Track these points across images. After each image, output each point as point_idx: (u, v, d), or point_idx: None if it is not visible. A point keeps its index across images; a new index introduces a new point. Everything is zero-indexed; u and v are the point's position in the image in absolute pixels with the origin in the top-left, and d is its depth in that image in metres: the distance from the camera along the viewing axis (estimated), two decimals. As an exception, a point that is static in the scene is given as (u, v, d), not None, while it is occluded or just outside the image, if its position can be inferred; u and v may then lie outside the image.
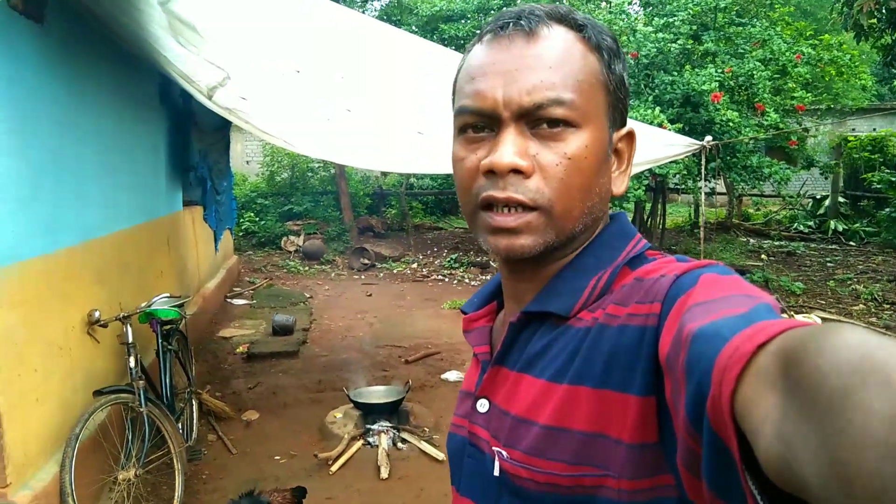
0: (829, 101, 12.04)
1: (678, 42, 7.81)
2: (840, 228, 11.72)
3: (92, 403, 2.93)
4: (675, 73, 7.86)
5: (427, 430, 4.17)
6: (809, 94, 9.22)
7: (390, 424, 4.12)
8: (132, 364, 3.17)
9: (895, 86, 16.39)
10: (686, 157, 6.47)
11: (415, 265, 10.50)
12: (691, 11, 8.01)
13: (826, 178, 12.97)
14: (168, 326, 3.72)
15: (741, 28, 8.59)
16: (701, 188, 6.60)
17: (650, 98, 7.75)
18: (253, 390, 4.96)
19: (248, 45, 3.30)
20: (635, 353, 0.61)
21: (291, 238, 11.38)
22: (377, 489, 3.54)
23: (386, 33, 4.02)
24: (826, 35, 10.45)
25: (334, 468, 3.70)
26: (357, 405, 4.23)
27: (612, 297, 0.68)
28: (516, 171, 0.67)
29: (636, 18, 8.68)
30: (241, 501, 2.65)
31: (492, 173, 0.68)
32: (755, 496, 0.40)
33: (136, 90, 4.50)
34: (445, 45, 8.49)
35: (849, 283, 8.25)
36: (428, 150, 3.84)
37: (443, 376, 5.25)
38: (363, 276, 9.85)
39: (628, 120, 0.78)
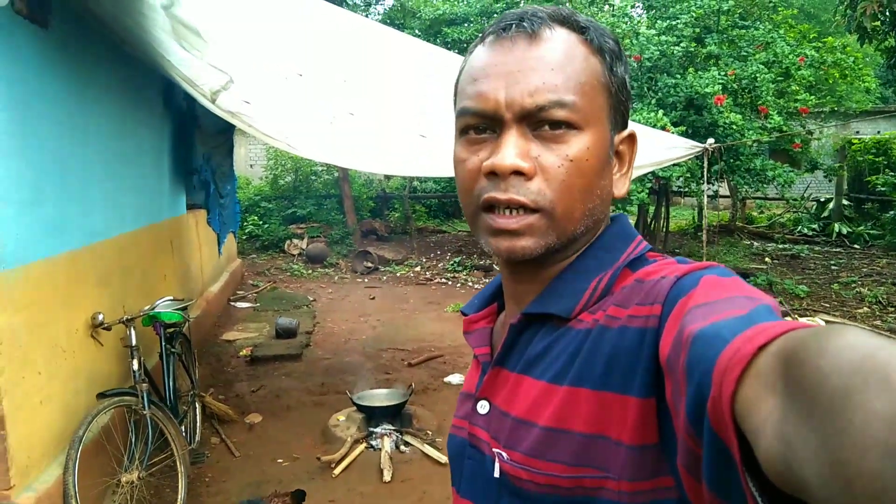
0: (833, 103, 12.02)
1: (681, 45, 7.81)
2: (844, 231, 11.69)
3: (95, 406, 2.93)
4: (678, 76, 7.86)
5: (430, 433, 4.17)
6: (813, 97, 9.20)
7: (393, 427, 4.12)
8: (135, 367, 3.18)
9: (899, 88, 16.37)
10: (689, 159, 6.46)
11: (418, 268, 10.50)
12: (694, 14, 8.00)
13: (830, 181, 12.95)
14: (171, 329, 3.73)
15: (744, 31, 8.58)
16: (704, 191, 6.59)
17: (653, 101, 7.75)
18: (256, 393, 4.97)
19: (252, 48, 3.31)
20: (636, 355, 0.61)
21: (295, 241, 11.39)
22: (380, 492, 3.54)
23: (387, 36, 4.03)
24: (830, 37, 10.42)
25: (337, 471, 3.70)
26: (360, 408, 4.23)
27: (613, 299, 0.68)
28: (518, 173, 0.67)
29: (639, 21, 8.68)
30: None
31: (493, 175, 0.68)
32: (755, 497, 0.40)
33: (140, 93, 4.51)
34: (448, 49, 8.51)
35: (853, 286, 8.22)
36: (431, 153, 3.84)
37: (446, 379, 5.25)
38: (366, 280, 9.86)
39: (629, 122, 0.78)
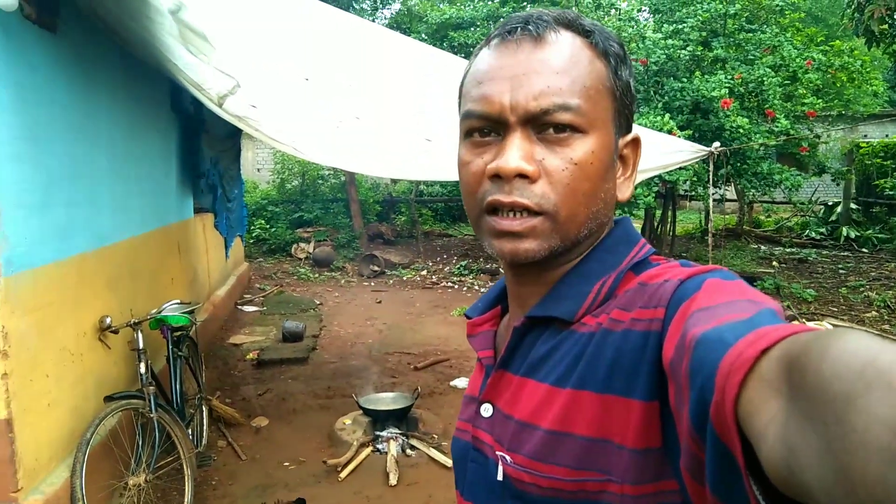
0: (841, 107, 11.96)
1: (688, 49, 7.79)
2: (852, 235, 11.63)
3: (103, 409, 2.94)
4: (685, 80, 7.84)
5: (436, 436, 4.17)
6: (820, 101, 9.16)
7: (399, 431, 4.12)
8: (143, 370, 3.19)
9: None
10: (696, 163, 6.44)
11: (424, 272, 10.50)
12: (701, 18, 7.98)
13: (838, 185, 12.88)
14: (178, 333, 3.74)
15: (751, 34, 8.55)
16: (710, 195, 6.57)
17: (660, 105, 7.73)
18: (262, 397, 4.98)
19: (258, 53, 3.33)
20: (639, 358, 0.60)
21: (302, 245, 11.42)
22: (386, 496, 3.54)
23: (393, 40, 4.05)
24: (837, 41, 10.38)
25: (343, 474, 3.70)
26: (366, 412, 4.23)
27: (616, 302, 0.68)
28: (522, 176, 0.67)
29: (645, 25, 8.66)
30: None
31: (497, 177, 0.68)
32: (759, 501, 0.40)
33: (148, 98, 4.54)
34: (455, 53, 8.53)
35: (861, 290, 8.17)
36: (437, 157, 3.84)
37: (452, 383, 5.25)
38: (373, 283, 9.87)
39: (634, 126, 0.78)
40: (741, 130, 7.35)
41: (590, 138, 0.68)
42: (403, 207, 13.60)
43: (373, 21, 12.34)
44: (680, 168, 6.57)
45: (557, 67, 0.67)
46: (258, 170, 15.03)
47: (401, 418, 4.21)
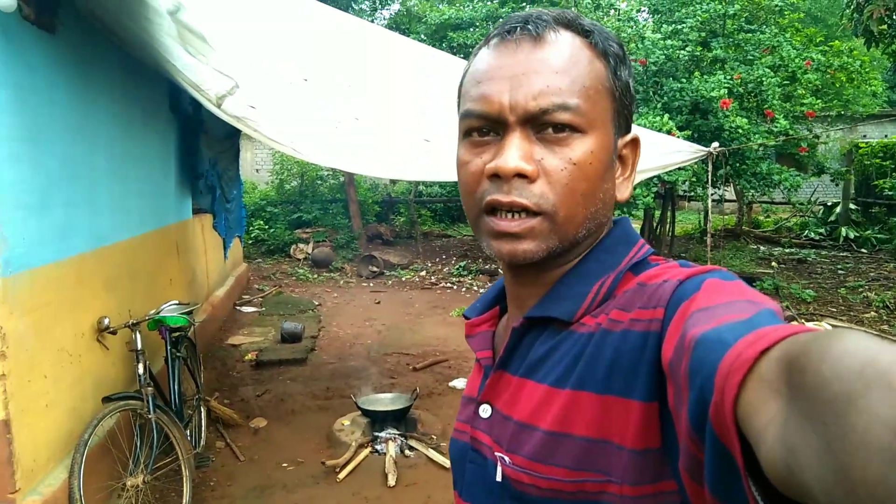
0: (840, 107, 11.97)
1: (687, 49, 7.79)
2: (851, 235, 11.64)
3: (101, 410, 2.94)
4: (684, 80, 7.84)
5: (434, 437, 4.16)
6: (819, 101, 9.16)
7: (398, 432, 4.12)
8: (141, 371, 3.19)
9: (906, 92, 16.31)
10: (695, 163, 6.45)
11: (423, 273, 10.50)
12: (700, 18, 7.99)
13: (837, 185, 12.89)
14: (177, 333, 3.73)
15: (750, 35, 8.55)
16: (709, 195, 6.58)
17: (659, 105, 7.74)
18: (261, 397, 4.97)
19: (257, 53, 3.32)
20: (638, 359, 0.60)
21: (300, 246, 11.42)
22: (384, 497, 3.53)
23: (392, 41, 4.04)
24: (836, 41, 10.39)
25: (342, 475, 3.70)
26: (365, 412, 4.23)
27: (615, 303, 0.67)
28: (521, 176, 0.67)
29: (644, 25, 8.67)
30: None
31: (496, 177, 0.68)
32: (758, 501, 0.40)
33: (147, 98, 4.54)
34: (454, 54, 8.53)
35: (860, 290, 8.18)
36: (436, 158, 3.84)
37: (450, 384, 5.24)
38: (372, 284, 9.87)
39: (633, 126, 0.78)
40: (740, 131, 7.36)
41: (589, 138, 0.68)
42: (402, 208, 13.60)
43: (372, 22, 12.34)
44: (679, 168, 6.57)
45: (557, 67, 0.67)
46: (257, 170, 15.03)
47: (399, 419, 4.21)
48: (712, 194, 6.17)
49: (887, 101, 16.79)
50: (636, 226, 9.84)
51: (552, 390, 0.67)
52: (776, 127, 7.76)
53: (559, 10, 0.72)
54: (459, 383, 5.21)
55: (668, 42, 7.74)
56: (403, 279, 10.14)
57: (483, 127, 0.70)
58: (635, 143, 0.77)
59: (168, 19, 2.44)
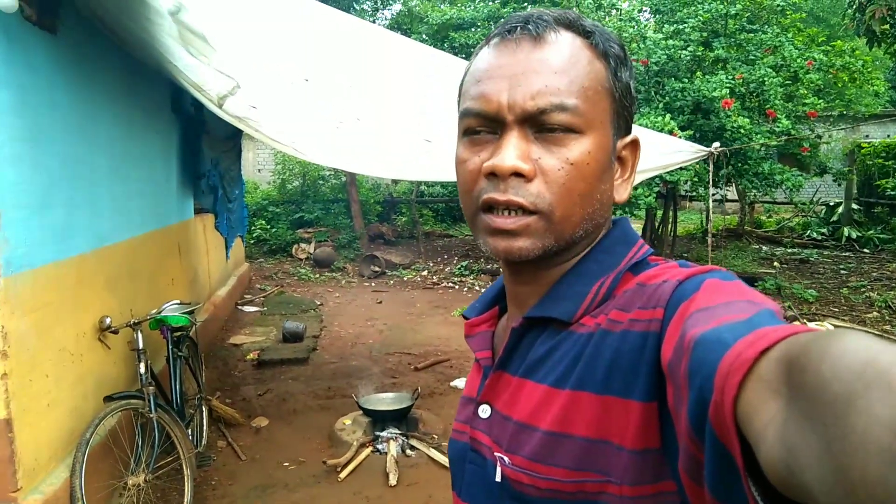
0: (842, 107, 11.96)
1: (688, 49, 7.78)
2: (854, 235, 11.62)
3: (102, 409, 2.94)
4: (686, 80, 7.83)
5: (436, 437, 4.16)
6: (822, 101, 9.15)
7: (399, 431, 4.12)
8: (142, 370, 3.19)
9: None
10: (696, 163, 6.44)
11: (425, 272, 10.50)
12: (702, 18, 7.98)
13: (839, 185, 12.89)
14: (178, 333, 3.74)
15: (752, 34, 8.54)
16: (710, 195, 6.57)
17: (660, 105, 7.73)
18: (263, 397, 4.98)
19: (258, 54, 3.33)
20: (638, 359, 0.60)
21: (302, 245, 11.43)
22: (386, 496, 3.54)
23: (393, 41, 4.05)
24: (838, 41, 10.37)
25: (343, 475, 3.70)
26: (366, 412, 4.23)
27: (615, 303, 0.67)
28: (518, 175, 0.67)
29: (646, 25, 8.67)
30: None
31: (493, 176, 0.68)
32: (757, 502, 0.40)
33: (148, 99, 4.54)
34: (456, 54, 8.53)
35: (862, 290, 8.17)
36: (437, 158, 3.84)
37: (452, 383, 5.25)
38: (373, 284, 9.87)
39: (633, 127, 0.78)
40: (742, 131, 7.35)
41: (587, 139, 0.68)
42: (404, 208, 13.61)
43: (373, 22, 12.36)
44: (680, 168, 6.57)
45: (556, 67, 0.67)
46: (259, 170, 15.05)
47: (401, 419, 4.21)
48: (714, 194, 6.16)
49: (890, 100, 16.77)
50: (638, 226, 9.83)
51: (552, 390, 0.67)
52: (778, 127, 7.75)
53: (560, 11, 0.72)
54: (461, 383, 5.21)
55: (670, 42, 7.73)
56: (405, 279, 10.14)
57: (481, 126, 0.70)
58: (635, 144, 0.77)
59: (169, 20, 2.44)
